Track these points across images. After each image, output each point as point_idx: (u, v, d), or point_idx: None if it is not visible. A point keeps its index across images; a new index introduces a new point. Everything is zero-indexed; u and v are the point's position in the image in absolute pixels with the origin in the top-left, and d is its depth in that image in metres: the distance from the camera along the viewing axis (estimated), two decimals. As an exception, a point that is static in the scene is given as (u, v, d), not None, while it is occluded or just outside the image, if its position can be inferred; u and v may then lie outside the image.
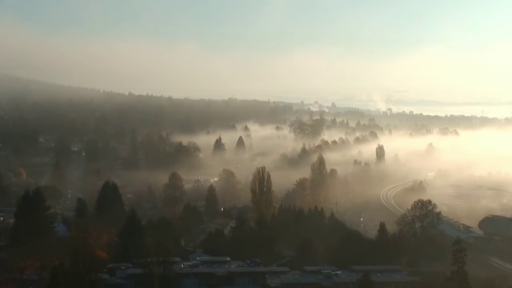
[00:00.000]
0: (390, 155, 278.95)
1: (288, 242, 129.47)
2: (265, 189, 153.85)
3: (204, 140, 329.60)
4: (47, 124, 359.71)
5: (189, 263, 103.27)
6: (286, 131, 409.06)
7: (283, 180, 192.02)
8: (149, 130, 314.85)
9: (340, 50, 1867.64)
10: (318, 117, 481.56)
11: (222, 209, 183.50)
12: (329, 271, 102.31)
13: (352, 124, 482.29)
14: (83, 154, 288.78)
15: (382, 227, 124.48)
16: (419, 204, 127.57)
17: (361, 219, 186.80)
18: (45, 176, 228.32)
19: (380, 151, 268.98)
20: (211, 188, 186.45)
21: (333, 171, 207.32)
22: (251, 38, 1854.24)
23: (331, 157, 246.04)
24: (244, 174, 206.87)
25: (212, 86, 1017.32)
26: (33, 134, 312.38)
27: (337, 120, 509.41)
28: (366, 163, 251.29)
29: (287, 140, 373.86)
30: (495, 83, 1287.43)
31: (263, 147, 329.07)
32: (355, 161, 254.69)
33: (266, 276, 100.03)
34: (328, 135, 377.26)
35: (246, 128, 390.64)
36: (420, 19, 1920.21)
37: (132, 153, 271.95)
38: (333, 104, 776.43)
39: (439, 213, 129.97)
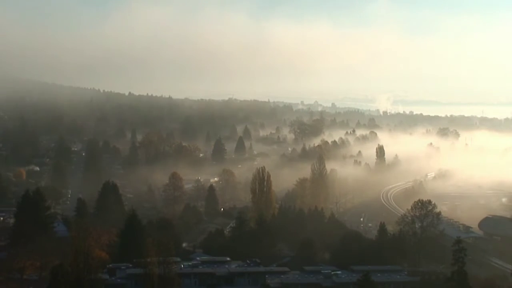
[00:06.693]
0: (390, 155, 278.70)
1: (288, 242, 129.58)
2: (265, 189, 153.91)
3: (204, 140, 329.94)
4: (47, 124, 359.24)
5: (189, 263, 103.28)
6: (286, 131, 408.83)
7: (283, 180, 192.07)
8: (149, 130, 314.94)
9: (340, 50, 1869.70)
10: (318, 117, 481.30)
11: (222, 209, 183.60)
12: (329, 271, 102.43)
13: (352, 124, 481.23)
14: (83, 154, 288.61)
15: (382, 227, 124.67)
16: (419, 204, 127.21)
17: (361, 219, 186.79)
18: (45, 176, 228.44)
19: (380, 151, 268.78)
20: (211, 188, 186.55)
21: (333, 171, 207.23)
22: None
23: (331, 157, 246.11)
24: (244, 174, 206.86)
25: (212, 86, 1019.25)
26: (33, 134, 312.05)
27: (337, 120, 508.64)
28: (366, 163, 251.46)
29: (287, 140, 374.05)
30: (495, 83, 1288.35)
31: (263, 147, 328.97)
32: (355, 161, 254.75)
33: (266, 276, 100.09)
34: (328, 135, 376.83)
35: (246, 128, 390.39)
36: (421, 20, 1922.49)
37: (132, 153, 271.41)
38: (333, 104, 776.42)
39: (439, 213, 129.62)
